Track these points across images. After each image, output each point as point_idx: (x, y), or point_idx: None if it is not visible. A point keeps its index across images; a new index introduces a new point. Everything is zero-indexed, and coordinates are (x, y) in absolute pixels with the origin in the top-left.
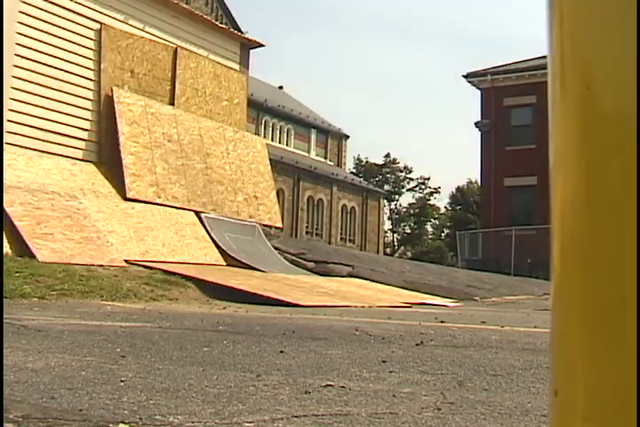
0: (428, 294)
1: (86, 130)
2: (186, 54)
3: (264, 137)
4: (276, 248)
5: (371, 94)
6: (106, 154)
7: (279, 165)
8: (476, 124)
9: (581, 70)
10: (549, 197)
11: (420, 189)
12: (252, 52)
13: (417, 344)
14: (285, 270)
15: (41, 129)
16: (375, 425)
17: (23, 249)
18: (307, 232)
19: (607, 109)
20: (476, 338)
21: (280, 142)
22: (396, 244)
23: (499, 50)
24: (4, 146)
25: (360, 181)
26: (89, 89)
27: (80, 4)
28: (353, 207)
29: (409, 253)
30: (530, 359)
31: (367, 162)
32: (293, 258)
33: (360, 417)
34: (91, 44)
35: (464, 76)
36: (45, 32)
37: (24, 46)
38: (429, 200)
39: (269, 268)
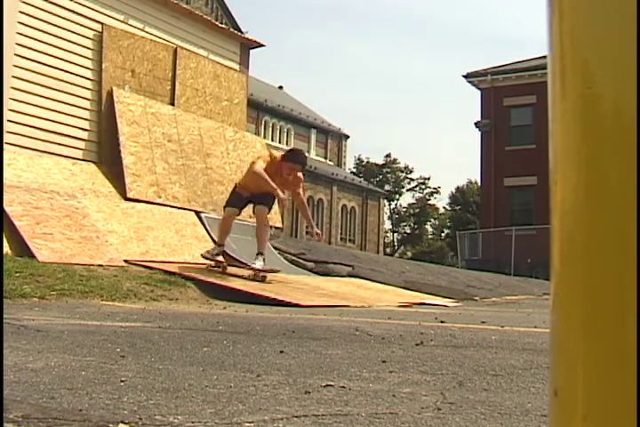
0: (428, 294)
1: (86, 130)
2: (186, 54)
3: (264, 137)
4: (275, 248)
5: (371, 94)
6: (106, 154)
7: None
8: (476, 124)
9: (581, 70)
10: (549, 197)
11: (420, 189)
12: (251, 51)
13: (417, 344)
14: (285, 270)
15: (41, 129)
16: (375, 425)
17: (23, 249)
18: (307, 232)
19: (607, 109)
20: (476, 338)
21: (280, 142)
22: (395, 244)
23: (499, 50)
24: (4, 146)
25: (360, 181)
26: (89, 89)
27: (80, 4)
28: (353, 207)
29: (409, 253)
30: (530, 359)
31: (368, 162)
32: (293, 258)
33: (360, 417)
34: (91, 44)
35: (464, 76)
36: (45, 32)
37: (24, 46)
38: (429, 200)
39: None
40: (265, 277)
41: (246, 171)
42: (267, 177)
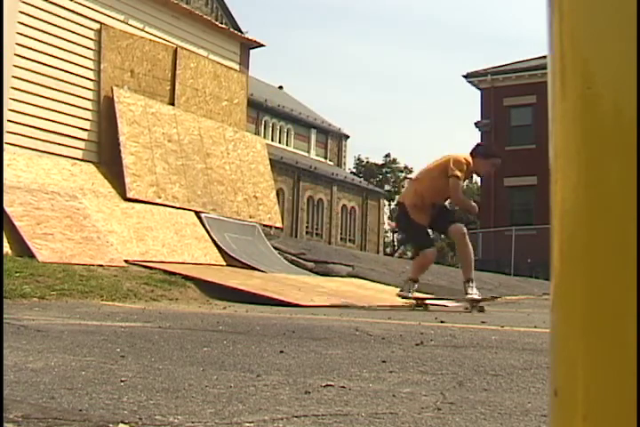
0: (428, 293)
1: (86, 130)
2: (186, 54)
3: (264, 137)
4: (275, 248)
5: (371, 94)
6: (106, 154)
7: (279, 165)
8: (476, 124)
9: (581, 70)
10: (549, 197)
11: None
12: (251, 51)
13: (417, 344)
14: (285, 270)
15: (41, 129)
16: (375, 425)
17: (23, 249)
18: (307, 232)
19: (607, 109)
20: (476, 338)
21: (280, 142)
22: (395, 244)
23: (499, 50)
24: (4, 146)
25: (360, 181)
26: (89, 89)
27: (80, 3)
28: (353, 207)
29: (409, 253)
30: (530, 359)
31: (367, 162)
32: (293, 258)
33: (360, 417)
34: (91, 44)
35: (464, 76)
36: (45, 32)
37: (24, 46)
38: None
39: (269, 268)
40: (483, 307)
41: (420, 186)
42: (470, 202)
